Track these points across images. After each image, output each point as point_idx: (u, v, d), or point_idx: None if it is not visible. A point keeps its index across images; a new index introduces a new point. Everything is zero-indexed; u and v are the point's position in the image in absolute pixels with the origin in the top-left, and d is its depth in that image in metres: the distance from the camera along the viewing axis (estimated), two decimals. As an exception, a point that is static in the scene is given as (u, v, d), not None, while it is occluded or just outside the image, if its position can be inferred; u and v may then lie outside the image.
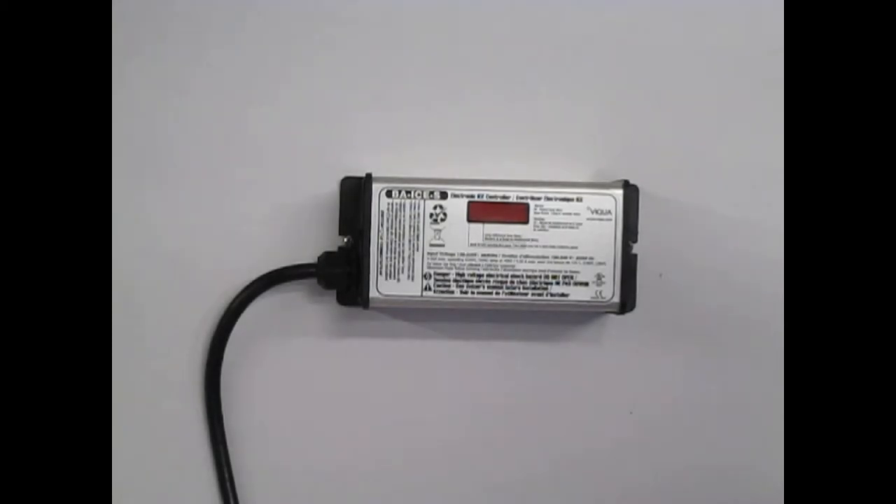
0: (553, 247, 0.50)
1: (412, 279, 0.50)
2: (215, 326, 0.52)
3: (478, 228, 0.50)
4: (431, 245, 0.50)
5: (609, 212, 0.50)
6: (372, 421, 0.54)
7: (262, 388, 0.53)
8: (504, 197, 0.50)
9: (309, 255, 0.52)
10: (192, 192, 0.53)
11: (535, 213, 0.50)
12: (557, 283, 0.50)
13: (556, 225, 0.50)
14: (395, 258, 0.50)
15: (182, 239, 0.53)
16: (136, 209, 0.53)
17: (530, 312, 0.52)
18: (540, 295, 0.50)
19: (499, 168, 0.52)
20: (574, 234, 0.50)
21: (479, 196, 0.50)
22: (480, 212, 0.50)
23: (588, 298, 0.50)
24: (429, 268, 0.50)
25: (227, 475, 0.52)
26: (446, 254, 0.50)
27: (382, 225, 0.50)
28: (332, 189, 0.52)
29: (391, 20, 0.53)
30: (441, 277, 0.50)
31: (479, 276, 0.50)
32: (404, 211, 0.50)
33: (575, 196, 0.50)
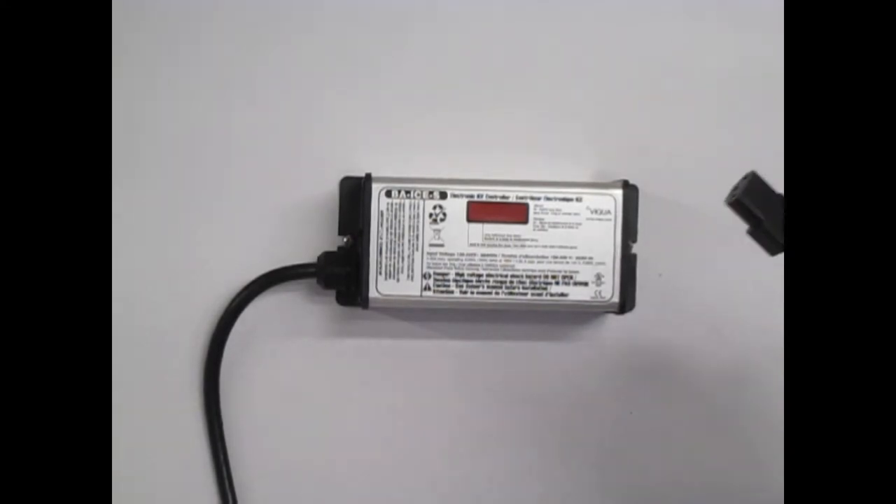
0: (552, 247, 0.50)
1: (412, 279, 0.50)
2: (214, 326, 0.52)
3: (477, 228, 0.50)
4: (431, 245, 0.50)
5: (609, 212, 0.50)
6: (371, 421, 0.54)
7: (261, 387, 0.53)
8: (503, 197, 0.50)
9: (309, 255, 0.52)
10: (191, 192, 0.53)
11: (535, 213, 0.50)
12: (557, 283, 0.50)
13: (555, 225, 0.50)
14: (394, 258, 0.50)
15: (181, 238, 0.53)
16: (136, 209, 0.53)
17: (530, 312, 0.52)
18: (539, 295, 0.50)
19: (498, 168, 0.52)
20: (573, 234, 0.50)
21: (478, 196, 0.50)
22: (480, 212, 0.50)
23: (587, 298, 0.50)
24: (428, 268, 0.50)
25: (226, 475, 0.52)
26: (446, 254, 0.50)
27: (382, 225, 0.49)
28: (331, 189, 0.52)
29: (391, 20, 0.53)
30: (441, 277, 0.50)
31: (479, 275, 0.50)
32: (404, 211, 0.49)
33: (574, 196, 0.50)
